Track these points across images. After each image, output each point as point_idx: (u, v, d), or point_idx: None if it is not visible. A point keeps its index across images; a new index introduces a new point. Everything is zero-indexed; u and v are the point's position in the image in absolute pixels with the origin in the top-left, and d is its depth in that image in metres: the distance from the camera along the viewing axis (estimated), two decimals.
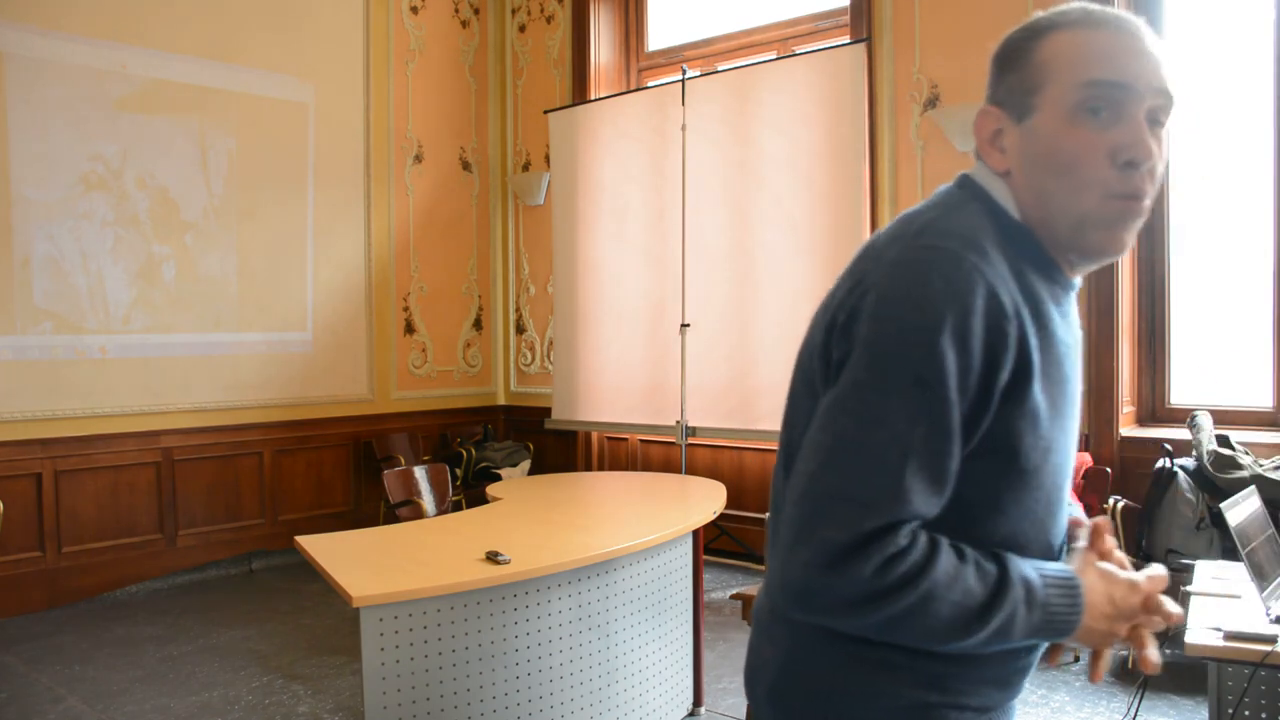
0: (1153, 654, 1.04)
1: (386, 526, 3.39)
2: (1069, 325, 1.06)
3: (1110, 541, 1.09)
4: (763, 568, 2.50)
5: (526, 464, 6.30)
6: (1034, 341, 0.97)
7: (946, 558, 0.94)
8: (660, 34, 6.45)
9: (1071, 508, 1.16)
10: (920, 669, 1.02)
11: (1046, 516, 1.05)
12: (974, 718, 1.07)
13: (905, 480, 0.92)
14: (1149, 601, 1.04)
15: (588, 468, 6.42)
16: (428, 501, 4.36)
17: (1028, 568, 0.99)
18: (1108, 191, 0.99)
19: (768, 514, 1.13)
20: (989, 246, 0.98)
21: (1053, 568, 1.02)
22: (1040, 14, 1.05)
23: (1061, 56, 1.00)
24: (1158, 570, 1.07)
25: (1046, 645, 1.10)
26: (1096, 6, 1.02)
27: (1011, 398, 0.96)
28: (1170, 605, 1.05)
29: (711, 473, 5.62)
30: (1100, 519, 1.12)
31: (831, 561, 0.92)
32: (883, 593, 0.91)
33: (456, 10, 6.69)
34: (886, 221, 4.85)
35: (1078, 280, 1.09)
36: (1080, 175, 0.99)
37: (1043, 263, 1.03)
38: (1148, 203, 1.01)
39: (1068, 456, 1.07)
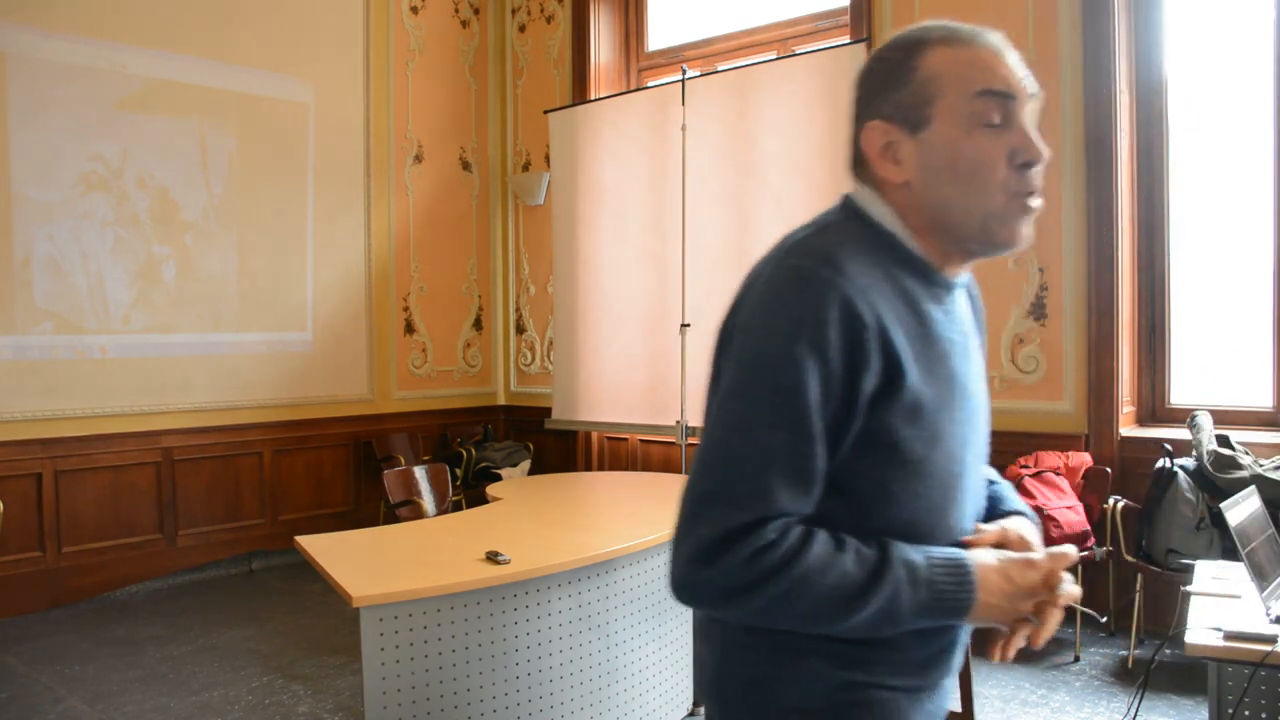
0: (1045, 634, 1.10)
1: (386, 526, 3.39)
2: (953, 321, 1.14)
3: (1015, 534, 1.15)
4: None
5: (526, 464, 6.30)
6: (903, 344, 1.05)
7: (821, 547, 1.02)
8: (660, 34, 6.45)
9: (1003, 493, 1.27)
10: (841, 652, 1.08)
11: (945, 503, 1.11)
12: (901, 697, 1.12)
13: (769, 481, 1.00)
14: (1050, 579, 1.09)
15: (588, 468, 6.42)
16: (428, 501, 4.36)
17: (913, 552, 1.05)
18: (1009, 190, 1.08)
19: None
20: (853, 260, 1.05)
21: (942, 550, 1.07)
22: (901, 33, 1.13)
23: (946, 71, 1.08)
24: (1065, 549, 1.11)
25: (969, 631, 1.17)
26: (954, 23, 1.11)
27: (884, 397, 1.04)
28: (1067, 585, 1.10)
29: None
30: (1009, 523, 1.18)
31: (705, 556, 1.01)
32: (755, 582, 0.99)
33: (456, 10, 6.69)
34: None
35: (960, 279, 1.17)
36: (984, 178, 1.07)
37: (919, 267, 1.12)
38: (1040, 198, 1.10)
39: (963, 444, 1.12)
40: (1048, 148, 1.10)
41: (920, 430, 1.06)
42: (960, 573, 1.06)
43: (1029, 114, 1.09)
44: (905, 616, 1.03)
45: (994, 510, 1.26)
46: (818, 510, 1.05)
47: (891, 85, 1.11)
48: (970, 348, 1.17)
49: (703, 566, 1.01)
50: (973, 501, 1.17)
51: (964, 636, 1.18)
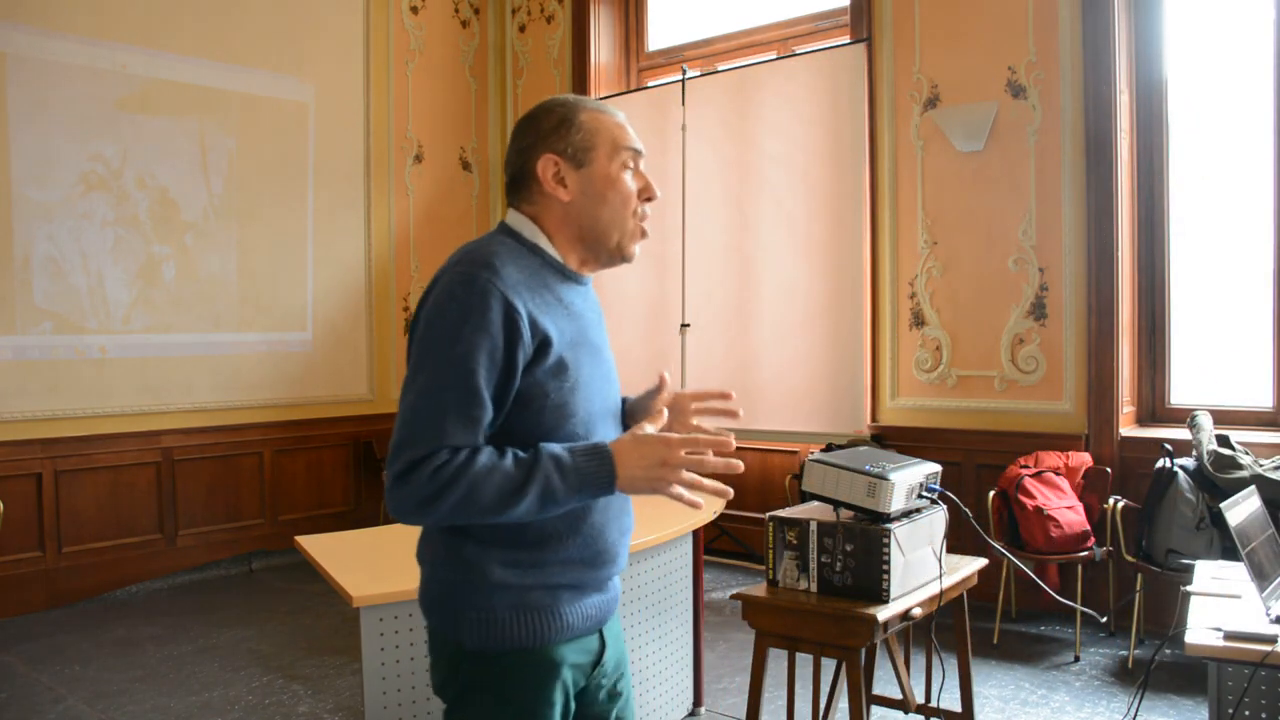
0: (692, 497, 1.40)
1: (386, 526, 3.39)
2: (589, 304, 1.56)
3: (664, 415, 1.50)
4: (762, 566, 2.50)
5: None
6: (547, 321, 1.41)
7: (485, 457, 1.35)
8: (660, 34, 6.45)
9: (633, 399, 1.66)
10: (508, 556, 1.42)
11: (588, 434, 1.47)
12: (568, 594, 1.46)
13: (441, 424, 1.34)
14: (687, 445, 1.39)
15: None
16: None
17: (559, 448, 1.38)
18: (637, 216, 1.53)
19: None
20: (506, 264, 1.41)
21: (583, 444, 1.41)
22: (562, 97, 1.55)
23: (601, 129, 1.50)
24: (720, 436, 1.46)
25: (626, 535, 1.54)
26: (589, 99, 1.55)
27: (536, 360, 1.39)
28: (707, 457, 1.41)
29: (711, 472, 5.61)
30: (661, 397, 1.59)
31: (399, 480, 1.35)
32: (438, 490, 1.33)
33: (456, 10, 6.69)
34: (886, 221, 4.83)
35: (589, 277, 1.58)
36: (626, 205, 1.51)
37: (557, 267, 1.50)
38: (648, 222, 1.56)
39: (601, 386, 1.51)
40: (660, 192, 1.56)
41: (565, 381, 1.43)
42: (599, 454, 1.38)
43: (644, 163, 1.55)
44: (562, 496, 1.36)
45: (631, 406, 1.66)
46: (499, 444, 1.39)
47: (565, 131, 1.49)
48: (600, 323, 1.59)
49: (399, 487, 1.34)
50: (612, 429, 1.55)
51: (621, 541, 1.53)
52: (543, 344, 1.40)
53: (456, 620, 1.45)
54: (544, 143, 1.50)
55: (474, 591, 1.44)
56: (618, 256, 1.55)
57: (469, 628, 1.44)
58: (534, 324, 1.39)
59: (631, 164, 1.52)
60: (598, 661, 1.54)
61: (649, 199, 1.54)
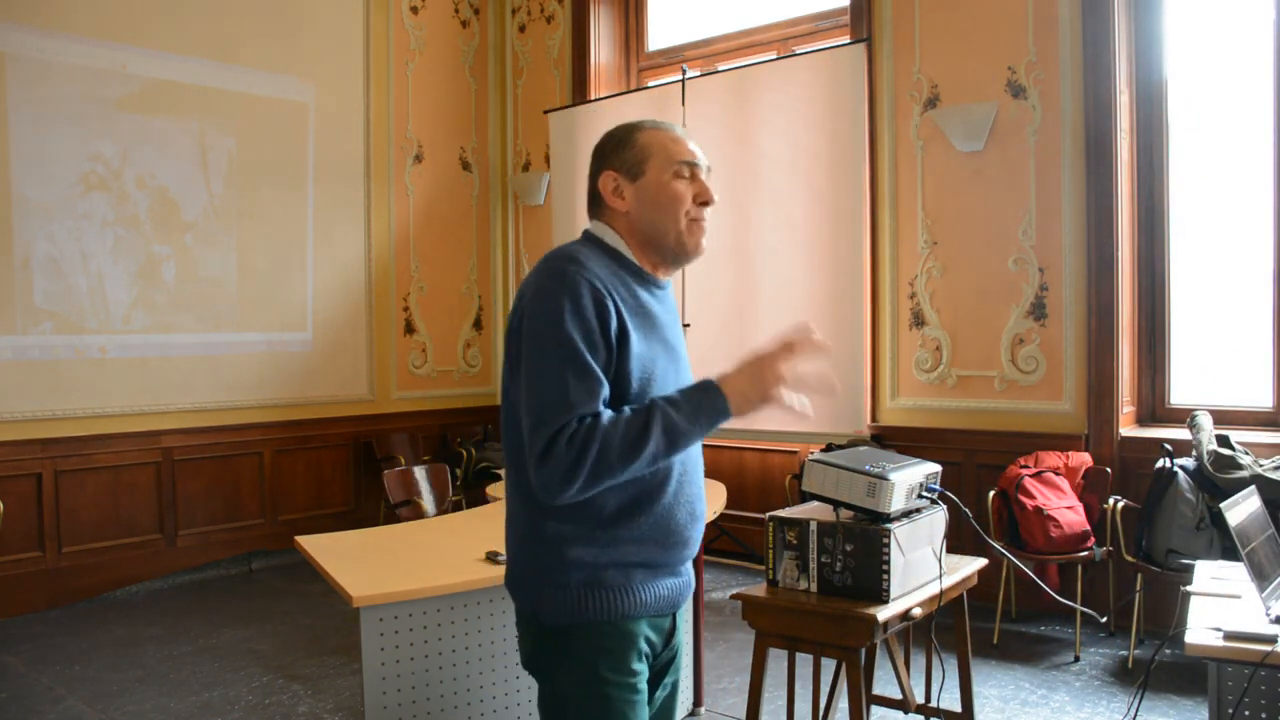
0: (799, 403, 1.53)
1: (386, 526, 3.39)
2: (665, 307, 1.69)
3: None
4: (762, 566, 2.50)
5: None
6: (628, 314, 1.55)
7: (607, 416, 1.48)
8: (660, 34, 6.45)
9: None
10: (584, 533, 1.54)
11: None
12: (641, 574, 1.57)
13: (567, 398, 1.46)
14: (781, 356, 1.52)
15: None
16: (428, 501, 4.36)
17: (671, 393, 1.54)
18: (689, 216, 1.65)
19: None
20: (590, 260, 1.57)
21: (690, 384, 1.57)
22: (628, 122, 1.71)
23: (655, 144, 1.66)
24: (796, 332, 1.55)
25: (699, 518, 1.65)
26: (655, 119, 1.72)
27: (620, 348, 1.53)
28: (800, 364, 1.53)
29: (711, 472, 5.60)
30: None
31: (542, 458, 1.46)
32: (576, 456, 1.44)
33: (456, 10, 6.69)
34: (886, 221, 4.83)
35: (666, 281, 1.71)
36: (678, 207, 1.64)
37: (635, 270, 1.65)
38: (707, 222, 1.68)
39: (672, 378, 1.62)
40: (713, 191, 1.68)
41: (641, 369, 1.55)
42: (705, 386, 1.54)
43: (705, 171, 1.68)
44: (684, 429, 1.50)
45: None
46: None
47: (621, 150, 1.66)
48: (676, 325, 1.72)
49: (544, 466, 1.46)
50: None
51: (692, 525, 1.64)
52: (624, 334, 1.53)
53: (537, 597, 1.57)
54: (604, 162, 1.68)
55: (553, 569, 1.55)
56: (681, 253, 1.67)
57: (547, 604, 1.55)
58: (619, 314, 1.53)
59: (686, 174, 1.65)
60: (667, 642, 1.67)
61: (704, 203, 1.66)
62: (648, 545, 1.58)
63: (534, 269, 1.61)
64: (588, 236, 1.69)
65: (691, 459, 1.67)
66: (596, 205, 1.70)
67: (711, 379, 1.55)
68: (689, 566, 1.70)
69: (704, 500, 1.69)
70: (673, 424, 1.49)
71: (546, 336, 1.50)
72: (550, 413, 1.46)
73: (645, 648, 1.60)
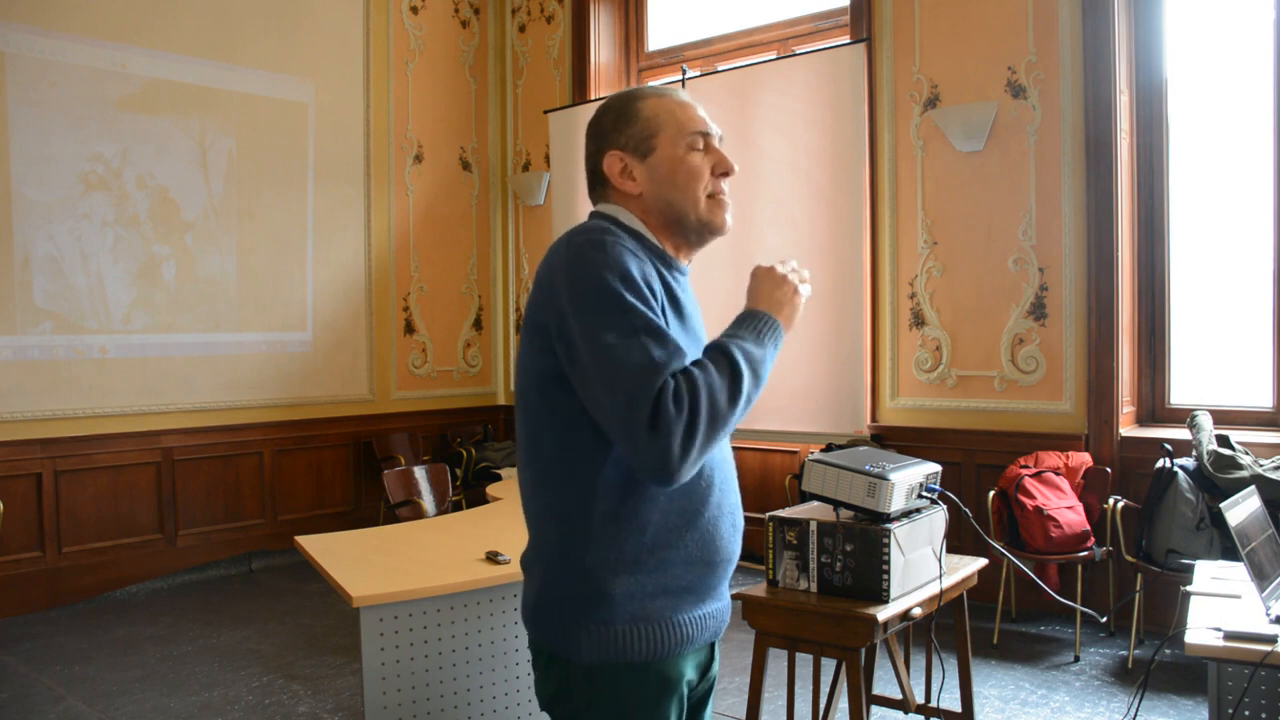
0: (805, 288, 1.51)
1: (386, 526, 3.39)
2: (689, 294, 1.55)
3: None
4: (762, 566, 2.50)
5: None
6: (659, 291, 1.41)
7: (694, 368, 1.34)
8: (660, 34, 6.45)
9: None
10: (629, 558, 1.38)
11: None
12: (689, 601, 1.44)
13: (653, 360, 1.30)
14: (780, 269, 1.50)
15: None
16: (428, 501, 4.36)
17: (727, 332, 1.43)
18: (707, 190, 1.52)
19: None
20: (620, 235, 1.42)
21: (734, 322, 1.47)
22: (622, 91, 1.56)
23: (662, 114, 1.50)
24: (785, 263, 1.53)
25: (739, 528, 1.54)
26: (655, 85, 1.61)
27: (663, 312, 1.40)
28: (791, 264, 1.53)
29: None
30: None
31: (651, 429, 1.28)
32: (690, 413, 1.29)
33: (456, 10, 6.69)
34: (886, 221, 4.81)
35: (687, 265, 1.57)
36: (696, 182, 1.50)
37: (658, 253, 1.49)
38: (729, 195, 1.56)
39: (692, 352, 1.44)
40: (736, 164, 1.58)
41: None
42: (748, 312, 1.46)
43: (719, 140, 1.56)
44: (758, 354, 1.39)
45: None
46: None
47: (623, 126, 1.50)
48: (699, 314, 1.57)
49: (655, 437, 1.27)
50: None
51: (734, 538, 1.52)
52: (665, 320, 1.41)
53: (571, 634, 1.39)
54: (607, 140, 1.51)
55: (592, 602, 1.38)
56: (705, 231, 1.53)
57: (586, 641, 1.38)
58: (660, 297, 1.40)
59: (700, 145, 1.51)
60: (704, 675, 1.53)
61: (724, 174, 1.54)
62: (695, 566, 1.44)
63: (554, 252, 1.42)
64: (599, 217, 1.51)
65: (725, 465, 1.53)
66: (601, 190, 1.53)
67: (748, 306, 1.47)
68: (726, 588, 1.56)
69: (742, 510, 1.56)
70: (749, 352, 1.38)
71: (607, 306, 1.33)
72: (642, 379, 1.28)
73: (684, 690, 1.46)
